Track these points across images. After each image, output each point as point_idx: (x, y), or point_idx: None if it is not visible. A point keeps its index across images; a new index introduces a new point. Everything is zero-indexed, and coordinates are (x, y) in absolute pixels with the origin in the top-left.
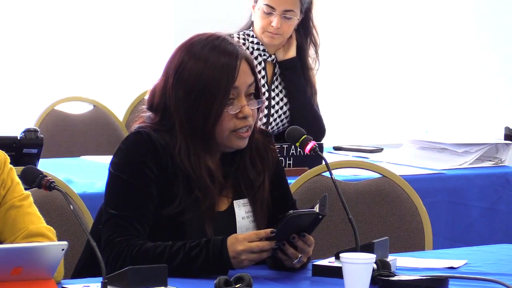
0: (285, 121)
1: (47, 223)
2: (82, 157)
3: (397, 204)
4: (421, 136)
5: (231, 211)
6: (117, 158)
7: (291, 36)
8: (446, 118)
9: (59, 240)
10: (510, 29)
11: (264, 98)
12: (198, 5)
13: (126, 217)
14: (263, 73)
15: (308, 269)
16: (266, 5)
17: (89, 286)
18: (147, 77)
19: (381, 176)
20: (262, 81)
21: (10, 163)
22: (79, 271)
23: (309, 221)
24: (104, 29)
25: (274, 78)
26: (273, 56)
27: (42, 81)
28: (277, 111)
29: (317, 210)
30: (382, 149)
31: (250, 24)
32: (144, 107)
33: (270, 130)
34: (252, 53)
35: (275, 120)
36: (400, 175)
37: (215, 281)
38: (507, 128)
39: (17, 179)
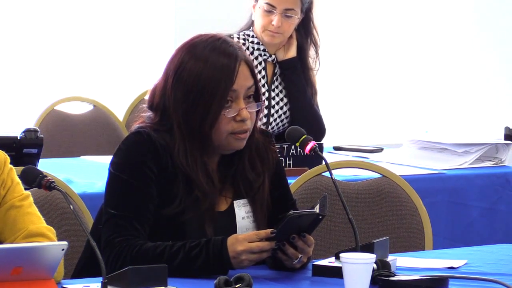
0: (285, 121)
1: (47, 223)
2: (82, 157)
3: (397, 204)
4: (421, 136)
5: (231, 211)
6: (117, 158)
7: (291, 36)
8: (446, 118)
9: (59, 240)
10: (510, 29)
11: (263, 100)
12: (198, 5)
13: (126, 217)
14: (263, 73)
15: (308, 269)
16: (267, 3)
17: (89, 286)
18: (147, 77)
19: (381, 176)
20: (262, 81)
21: (10, 163)
22: (79, 271)
23: (309, 221)
24: (104, 29)
25: (274, 78)
26: (273, 56)
27: (42, 81)
28: (277, 111)
29: (317, 211)
30: (382, 149)
31: (250, 24)
32: (145, 106)
33: (270, 130)
34: (252, 53)
35: (275, 120)
36: (400, 175)
37: (215, 281)
38: (507, 128)
39: (17, 179)
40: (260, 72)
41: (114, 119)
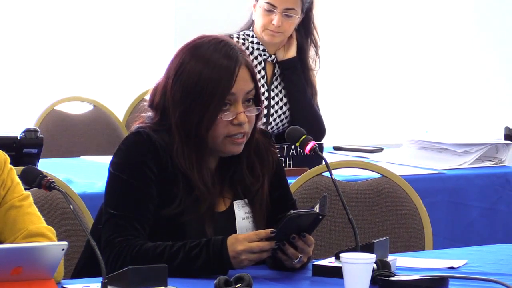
0: (285, 121)
1: (47, 223)
2: (82, 157)
3: (397, 204)
4: (421, 136)
5: (230, 211)
6: (117, 158)
7: (291, 36)
8: (446, 118)
9: (59, 240)
10: (510, 29)
11: (263, 105)
12: (198, 5)
13: (126, 217)
14: (263, 73)
15: (308, 269)
16: (267, 3)
17: (89, 286)
18: (147, 77)
19: (381, 176)
20: (262, 81)
21: (10, 163)
22: (79, 271)
23: (309, 221)
24: (104, 29)
25: (274, 78)
26: (273, 56)
27: (42, 81)
28: (276, 111)
29: (317, 210)
30: (382, 149)
31: (250, 24)
32: (146, 104)
33: (270, 130)
34: (252, 53)
35: (274, 120)
36: (400, 175)
37: (215, 281)
38: (507, 128)
39: (17, 179)
40: (259, 72)
41: (114, 119)
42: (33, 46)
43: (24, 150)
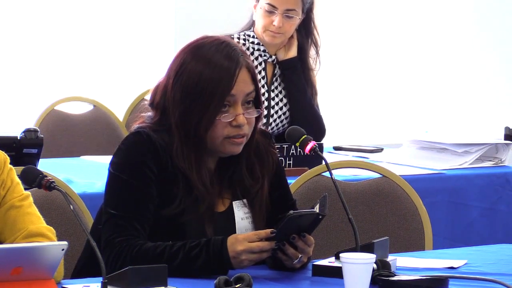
0: (285, 121)
1: (47, 223)
2: (82, 157)
3: (397, 204)
4: (421, 136)
5: (230, 212)
6: (117, 158)
7: (292, 36)
8: (446, 118)
9: (59, 240)
10: (510, 29)
11: (263, 108)
12: (198, 5)
13: (126, 217)
14: (263, 73)
15: (308, 269)
16: (268, 4)
17: (89, 286)
18: (147, 77)
19: (381, 176)
20: (262, 82)
21: (10, 163)
22: (79, 271)
23: (309, 221)
24: (104, 29)
25: (274, 78)
26: (273, 57)
27: (42, 81)
28: (276, 112)
29: (317, 210)
30: (382, 149)
31: (251, 25)
32: (147, 103)
33: (270, 131)
34: (252, 53)
35: (275, 120)
36: (400, 175)
37: (215, 281)
38: (507, 128)
39: (17, 179)
40: (260, 72)
41: (114, 119)
42: (33, 46)
43: (24, 150)
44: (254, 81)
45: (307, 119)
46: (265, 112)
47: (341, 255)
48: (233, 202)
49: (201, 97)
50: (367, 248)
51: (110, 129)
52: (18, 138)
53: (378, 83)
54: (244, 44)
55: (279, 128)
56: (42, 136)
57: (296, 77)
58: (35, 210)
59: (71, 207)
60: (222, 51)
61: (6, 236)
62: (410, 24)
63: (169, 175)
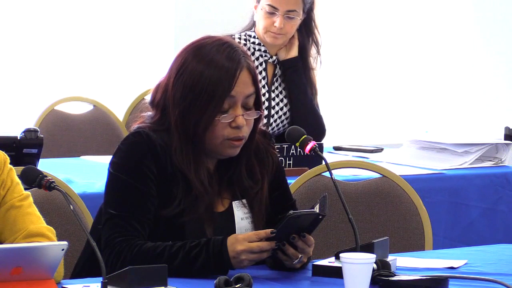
0: (285, 122)
1: (47, 223)
2: (82, 157)
3: (397, 204)
4: (421, 136)
5: (230, 212)
6: (117, 158)
7: (293, 36)
8: (446, 118)
9: (59, 240)
10: (510, 29)
11: (263, 110)
12: (198, 5)
13: (125, 217)
14: (263, 74)
15: (308, 269)
16: (269, 5)
17: (89, 286)
18: (147, 77)
19: (381, 176)
20: (263, 82)
21: (10, 163)
22: (79, 271)
23: (309, 222)
24: (104, 29)
25: (275, 79)
26: (274, 57)
27: (42, 81)
28: (277, 112)
29: (317, 210)
30: (382, 149)
31: (252, 25)
32: (147, 102)
33: (271, 131)
34: (253, 53)
35: (275, 121)
36: (400, 175)
37: (215, 281)
38: (507, 128)
39: (17, 179)
40: (260, 73)
41: (114, 119)
42: (33, 46)
43: (24, 150)
44: (255, 83)
45: (307, 119)
46: (266, 112)
47: (341, 255)
48: (233, 202)
49: (201, 97)
50: (367, 248)
51: (110, 129)
52: (18, 138)
53: (378, 83)
54: (245, 44)
55: (279, 128)
56: (42, 136)
57: (297, 77)
58: (35, 210)
59: (71, 207)
60: (223, 51)
61: (6, 236)
62: (410, 24)
63: (168, 176)
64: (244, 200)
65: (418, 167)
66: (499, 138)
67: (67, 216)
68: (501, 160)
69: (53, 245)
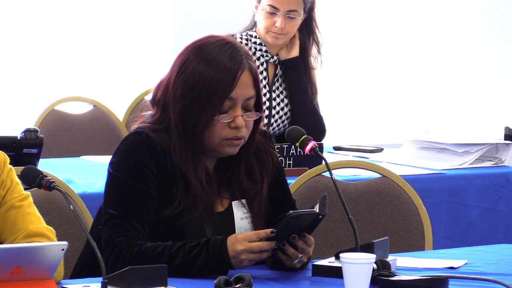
0: (286, 122)
1: (47, 223)
2: (82, 157)
3: (397, 204)
4: (421, 136)
5: (229, 212)
6: (116, 158)
7: (294, 36)
8: (446, 118)
9: (59, 240)
10: (510, 29)
11: (263, 112)
12: (198, 5)
13: (125, 217)
14: (264, 74)
15: (308, 269)
16: (270, 5)
17: (89, 286)
18: (147, 77)
19: (381, 176)
20: (264, 82)
21: (10, 163)
22: (79, 271)
23: (309, 221)
24: (104, 29)
25: (275, 79)
26: (275, 57)
27: (42, 81)
28: (278, 112)
29: (317, 210)
30: (382, 149)
31: (253, 25)
32: (148, 100)
33: (271, 131)
34: (254, 53)
35: (276, 121)
36: (400, 175)
37: (215, 281)
38: (507, 128)
39: (17, 180)
40: (261, 73)
41: (114, 119)
42: (33, 46)
43: (24, 150)
44: (256, 84)
45: (308, 119)
46: (266, 112)
47: (341, 255)
48: (233, 202)
49: (201, 96)
50: (367, 248)
51: (110, 129)
52: (18, 138)
53: (378, 83)
54: (246, 44)
55: (280, 128)
56: (42, 136)
57: (298, 76)
58: (35, 210)
59: (71, 207)
60: (226, 51)
61: (6, 236)
62: (411, 24)
63: (168, 176)
64: (243, 200)
65: (418, 167)
66: (499, 138)
67: (67, 216)
68: (501, 160)
69: (53, 245)
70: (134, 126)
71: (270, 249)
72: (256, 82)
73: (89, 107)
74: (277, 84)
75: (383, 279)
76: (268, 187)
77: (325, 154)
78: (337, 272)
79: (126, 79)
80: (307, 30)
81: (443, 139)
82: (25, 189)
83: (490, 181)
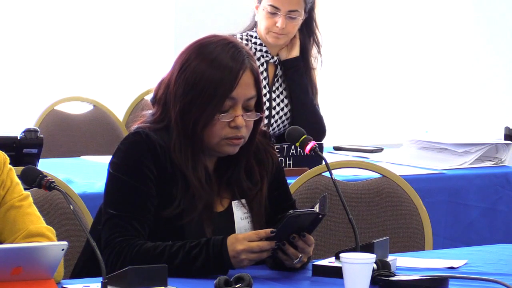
0: (286, 122)
1: (47, 223)
2: (82, 157)
3: (397, 204)
4: (421, 136)
5: (229, 211)
6: (116, 158)
7: (294, 36)
8: (446, 118)
9: (59, 240)
10: (510, 29)
11: (264, 112)
12: (198, 5)
13: (125, 217)
14: (264, 74)
15: (308, 269)
16: (271, 5)
17: (89, 286)
18: (147, 77)
19: (381, 176)
20: (264, 82)
21: (10, 163)
22: (79, 271)
23: (309, 221)
24: (104, 29)
25: (276, 79)
26: (275, 58)
27: (42, 81)
28: (278, 112)
29: (317, 210)
30: (382, 149)
31: (254, 25)
32: (149, 98)
33: (271, 131)
34: (254, 53)
35: (276, 121)
36: (400, 175)
37: (215, 281)
38: (507, 128)
39: (17, 180)
40: (261, 73)
41: (114, 119)
42: (33, 46)
43: (24, 150)
44: (257, 85)
45: (308, 119)
46: (266, 112)
47: (341, 255)
48: (232, 202)
49: (202, 95)
50: (367, 248)
51: (110, 129)
52: (18, 138)
53: (378, 83)
54: (246, 45)
55: (280, 128)
56: (42, 136)
57: (298, 76)
58: (35, 210)
59: (71, 207)
60: (228, 51)
61: (6, 236)
62: (411, 24)
63: (168, 176)
64: (243, 200)
65: (418, 167)
66: (499, 138)
67: (67, 216)
68: (501, 160)
69: (53, 245)
70: (134, 126)
71: (270, 249)
72: (257, 83)
73: (89, 107)
74: (277, 85)
75: (383, 279)
76: (268, 187)
77: (325, 154)
78: (337, 272)
79: (126, 79)
80: (307, 31)
81: (443, 139)
82: (25, 189)
83: (490, 181)
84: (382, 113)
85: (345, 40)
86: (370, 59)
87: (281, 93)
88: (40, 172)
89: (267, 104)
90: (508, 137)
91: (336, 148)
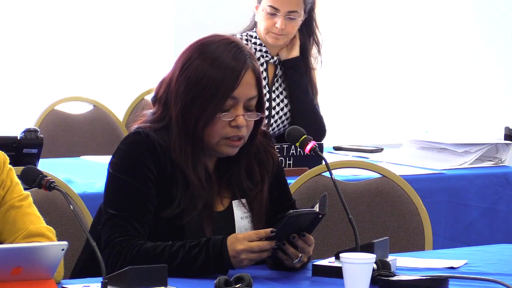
0: (285, 122)
1: (47, 223)
2: (82, 157)
3: (397, 204)
4: (421, 136)
5: (229, 211)
6: (116, 158)
7: (294, 36)
8: (446, 118)
9: (59, 240)
10: (510, 29)
11: (265, 113)
12: (198, 5)
13: (125, 217)
14: (264, 74)
15: (308, 269)
16: (270, 6)
17: (89, 286)
18: (147, 77)
19: (381, 176)
20: (264, 82)
21: (10, 163)
22: (79, 271)
23: (309, 221)
24: (104, 29)
25: (275, 79)
26: (275, 58)
27: (42, 81)
28: (278, 112)
29: (317, 210)
30: (382, 149)
31: (254, 25)
32: (149, 98)
33: (271, 131)
34: (254, 53)
35: (276, 121)
36: (400, 175)
37: (215, 281)
38: (507, 128)
39: (17, 180)
40: (262, 73)
41: (114, 119)
42: (33, 46)
43: (24, 150)
44: (259, 85)
45: (308, 119)
46: (266, 113)
47: (341, 255)
48: (233, 202)
49: (203, 94)
50: (367, 248)
51: (110, 129)
52: (18, 138)
53: (378, 83)
54: (246, 44)
55: (280, 128)
56: (42, 136)
57: (298, 76)
58: (35, 210)
59: (71, 207)
60: (230, 51)
61: (6, 236)
62: (411, 24)
63: (168, 175)
64: (243, 200)
65: (418, 167)
66: (499, 138)
67: (67, 216)
68: (501, 160)
69: (53, 245)
70: (135, 126)
71: (270, 248)
72: (258, 83)
73: (89, 107)
74: (276, 85)
75: (383, 279)
76: (269, 187)
77: (325, 154)
78: (337, 272)
79: (126, 79)
80: (307, 31)
81: (443, 139)
82: (25, 189)
83: (490, 181)
84: (382, 113)
85: (345, 40)
86: (370, 59)
87: (281, 93)
88: (40, 172)
89: (267, 104)
90: (508, 137)
91: (336, 148)
